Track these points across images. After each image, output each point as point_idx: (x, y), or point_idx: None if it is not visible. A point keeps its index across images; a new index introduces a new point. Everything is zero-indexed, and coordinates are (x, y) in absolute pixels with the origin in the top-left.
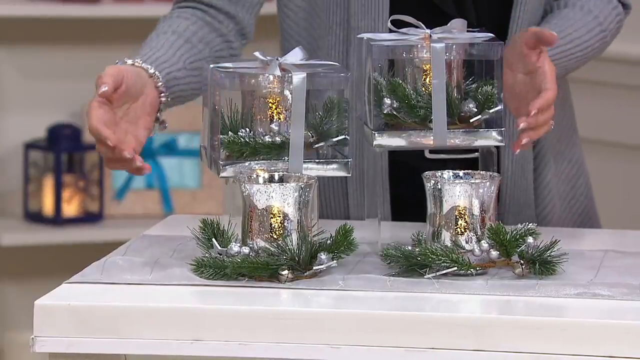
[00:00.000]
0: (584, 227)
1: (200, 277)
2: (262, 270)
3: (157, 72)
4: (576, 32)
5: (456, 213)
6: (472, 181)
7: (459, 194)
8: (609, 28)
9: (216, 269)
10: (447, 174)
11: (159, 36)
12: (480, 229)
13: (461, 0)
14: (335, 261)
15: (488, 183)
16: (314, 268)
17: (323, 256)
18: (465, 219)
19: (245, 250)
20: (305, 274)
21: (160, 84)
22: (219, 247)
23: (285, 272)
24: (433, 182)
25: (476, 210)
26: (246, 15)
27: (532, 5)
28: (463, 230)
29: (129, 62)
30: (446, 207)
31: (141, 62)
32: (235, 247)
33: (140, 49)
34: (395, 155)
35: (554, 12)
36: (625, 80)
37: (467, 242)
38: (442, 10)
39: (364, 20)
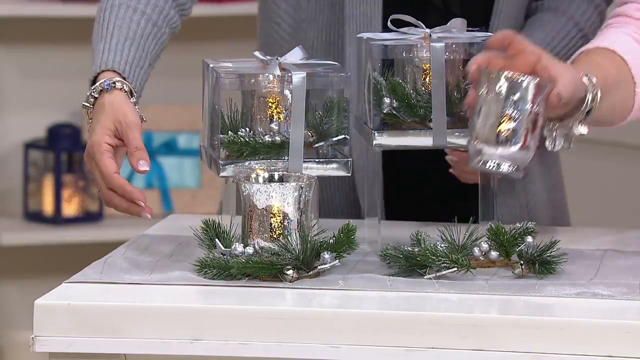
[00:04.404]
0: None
1: (204, 277)
2: (267, 270)
3: (135, 92)
4: (559, 44)
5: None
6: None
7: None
8: (591, 30)
9: (220, 269)
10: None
11: (130, 19)
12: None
13: None
14: (338, 260)
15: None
16: (318, 267)
17: (326, 255)
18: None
19: (250, 250)
20: (309, 273)
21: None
22: (222, 248)
23: (290, 271)
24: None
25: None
26: None
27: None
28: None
29: (119, 85)
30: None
31: (122, 83)
32: (239, 247)
33: (107, 33)
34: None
35: (536, 17)
36: None
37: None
38: (428, 0)
39: (359, 7)
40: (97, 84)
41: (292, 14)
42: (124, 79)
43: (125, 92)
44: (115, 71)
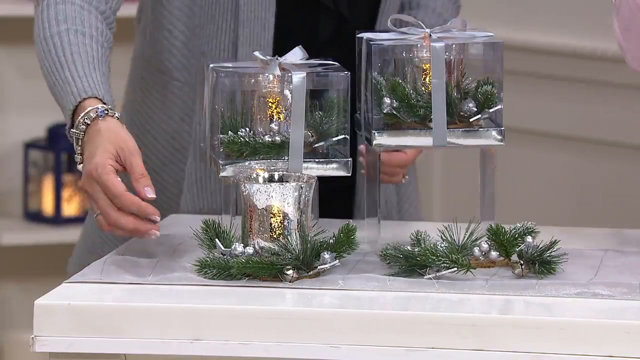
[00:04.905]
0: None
1: (204, 277)
2: (267, 270)
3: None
4: None
5: None
6: None
7: None
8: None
9: (220, 269)
10: None
11: (83, 43)
12: None
13: None
14: (338, 260)
15: None
16: (318, 267)
17: (326, 255)
18: None
19: (250, 250)
20: (309, 273)
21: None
22: (222, 248)
23: (290, 271)
24: None
25: None
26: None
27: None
28: None
29: (111, 113)
30: None
31: (113, 111)
32: (239, 247)
33: (67, 60)
34: None
35: (410, 14)
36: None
37: None
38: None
39: (254, 11)
40: (89, 110)
41: (185, 21)
42: (105, 104)
43: (118, 118)
44: (96, 97)
